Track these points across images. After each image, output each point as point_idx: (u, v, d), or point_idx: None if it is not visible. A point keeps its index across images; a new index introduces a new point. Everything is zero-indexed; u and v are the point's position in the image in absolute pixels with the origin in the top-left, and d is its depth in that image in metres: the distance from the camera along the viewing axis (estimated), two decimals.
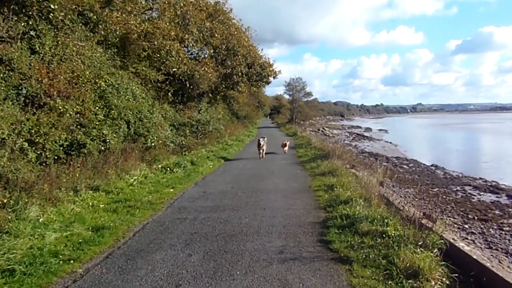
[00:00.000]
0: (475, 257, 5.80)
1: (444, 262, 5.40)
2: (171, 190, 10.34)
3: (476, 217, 11.90)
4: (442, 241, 5.98)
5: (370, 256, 5.60)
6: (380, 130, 67.89)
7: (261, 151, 17.52)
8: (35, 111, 9.48)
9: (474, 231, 10.50)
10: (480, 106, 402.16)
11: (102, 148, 11.13)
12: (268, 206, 8.65)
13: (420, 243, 5.90)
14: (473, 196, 15.02)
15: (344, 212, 7.57)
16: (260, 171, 13.60)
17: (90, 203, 8.51)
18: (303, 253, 5.81)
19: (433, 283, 4.94)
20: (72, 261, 5.56)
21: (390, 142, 42.99)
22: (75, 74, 10.83)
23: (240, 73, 25.24)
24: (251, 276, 5.03)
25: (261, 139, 17.86)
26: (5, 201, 7.18)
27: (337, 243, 6.16)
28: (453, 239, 6.77)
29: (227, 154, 18.61)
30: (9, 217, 6.77)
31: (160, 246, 6.19)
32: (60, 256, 5.68)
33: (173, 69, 17.61)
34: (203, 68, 20.33)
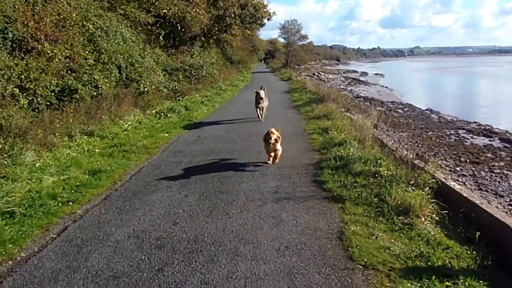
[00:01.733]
0: (465, 195, 5.94)
1: (434, 200, 5.54)
2: (166, 135, 10.35)
3: (468, 160, 12.09)
4: (433, 180, 6.09)
5: (363, 194, 5.74)
6: (376, 74, 67.13)
7: (260, 108, 12.81)
8: (23, 56, 9.23)
9: (465, 173, 10.71)
10: (479, 49, 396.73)
11: (94, 93, 10.98)
12: (263, 149, 8.67)
13: (412, 182, 6.02)
14: (466, 140, 15.18)
15: (338, 154, 7.65)
16: (255, 115, 13.58)
17: (86, 148, 8.52)
18: (297, 193, 5.94)
19: (423, 219, 5.09)
20: (71, 203, 5.66)
21: (386, 87, 42.71)
22: (62, 16, 10.44)
23: (233, 15, 24.45)
24: (246, 215, 5.16)
25: (260, 92, 12.61)
26: (0, 146, 7.18)
27: (330, 183, 6.28)
28: (444, 178, 6.91)
29: (221, 99, 18.45)
30: (5, 162, 6.80)
31: (156, 188, 6.29)
32: (59, 199, 5.77)
33: (163, 11, 17.03)
34: (194, 10, 19.64)
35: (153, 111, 13.01)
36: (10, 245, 4.43)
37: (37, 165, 7.07)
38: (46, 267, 4.00)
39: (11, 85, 8.64)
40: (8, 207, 5.33)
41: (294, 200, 5.65)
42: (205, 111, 14.56)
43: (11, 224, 4.96)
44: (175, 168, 7.36)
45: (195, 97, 17.09)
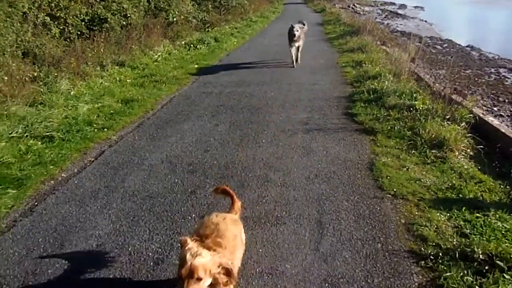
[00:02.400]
0: (503, 130, 5.73)
1: (470, 135, 5.39)
2: (196, 66, 10.26)
3: (507, 100, 11.49)
4: (470, 115, 5.88)
5: (395, 128, 5.63)
6: (415, 7, 62.91)
7: (294, 48, 10.01)
8: None
9: (503, 114, 10.22)
10: None
11: (124, 23, 10.87)
12: (294, 81, 8.55)
13: (447, 117, 5.84)
14: (507, 79, 14.33)
15: (371, 87, 7.44)
16: (287, 47, 13.19)
17: (117, 78, 8.60)
18: (327, 125, 5.88)
19: (457, 153, 4.99)
20: (106, 130, 5.83)
21: (425, 21, 40.12)
22: None
23: None
24: (276, 144, 5.19)
25: (295, 27, 9.84)
26: (35, 74, 7.34)
27: (362, 116, 6.17)
28: (482, 113, 6.65)
29: (252, 31, 17.93)
30: (42, 90, 6.99)
31: (187, 117, 6.35)
32: (94, 125, 5.94)
33: None
34: None
35: (183, 42, 12.82)
36: (51, 166, 4.66)
37: (72, 93, 7.23)
38: (86, 186, 4.21)
39: (42, 13, 8.64)
40: (47, 132, 5.56)
41: (324, 131, 5.61)
42: (235, 43, 14.25)
43: (51, 147, 5.19)
44: (206, 98, 7.37)
45: (224, 28, 16.65)
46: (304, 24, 10.70)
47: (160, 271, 2.90)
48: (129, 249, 3.16)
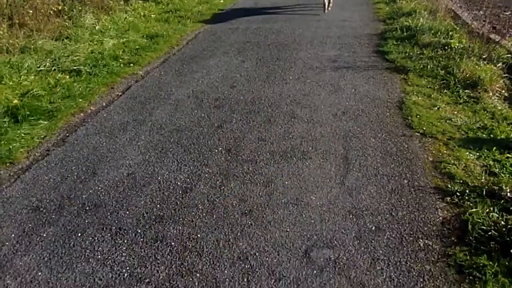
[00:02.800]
0: None
1: (506, 75, 5.15)
2: (221, 1, 9.95)
3: None
4: (509, 55, 5.58)
5: (428, 66, 5.40)
6: None
7: None
8: None
9: None
10: None
11: None
12: (322, 18, 8.22)
13: (484, 56, 5.55)
14: None
15: (405, 24, 7.08)
16: None
17: (142, 13, 8.47)
18: (357, 63, 5.70)
19: (491, 94, 4.79)
20: (131, 65, 5.82)
21: None
22: None
23: None
24: (303, 81, 5.09)
25: None
26: (59, 8, 7.28)
27: (394, 54, 5.93)
28: None
29: None
30: (67, 24, 6.96)
31: (213, 53, 6.26)
32: (120, 60, 5.94)
33: None
34: None
35: None
36: (80, 100, 4.74)
37: (96, 28, 7.18)
38: (115, 119, 4.29)
39: None
40: (75, 66, 5.60)
41: (354, 69, 5.45)
42: None
43: (78, 81, 5.25)
44: (232, 34, 7.21)
45: None
46: None
47: (189, 199, 2.99)
48: (159, 178, 3.26)
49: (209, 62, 5.88)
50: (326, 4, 8.52)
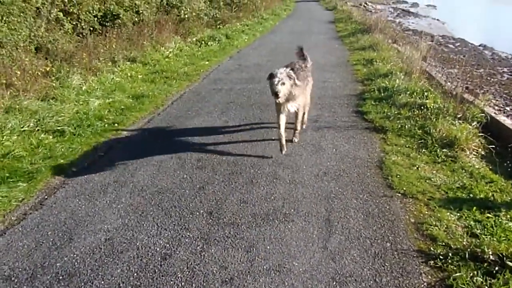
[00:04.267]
0: None
1: (482, 134, 5.32)
2: (206, 62, 10.27)
3: None
4: (482, 114, 5.80)
5: (406, 126, 5.56)
6: (427, 5, 62.10)
7: (283, 115, 4.60)
8: None
9: None
10: None
11: (136, 19, 10.97)
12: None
13: (459, 116, 5.76)
14: None
15: (382, 85, 7.36)
16: (297, 45, 13.14)
17: (129, 74, 8.66)
18: (337, 123, 5.84)
19: (468, 152, 4.92)
20: (116, 125, 5.87)
21: (438, 19, 39.60)
22: None
23: None
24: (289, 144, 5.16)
25: (282, 75, 4.29)
26: (47, 69, 7.42)
27: (372, 114, 6.11)
28: (494, 113, 6.56)
29: (263, 28, 17.89)
30: (54, 85, 7.06)
31: (197, 113, 6.36)
32: (105, 120, 6.00)
33: None
34: None
35: (194, 39, 12.85)
36: (62, 161, 4.72)
37: (83, 88, 7.29)
38: (96, 181, 4.25)
39: (55, 9, 8.73)
40: (59, 126, 5.63)
41: (334, 129, 5.58)
42: (246, 40, 14.23)
43: (61, 141, 5.26)
44: (216, 95, 7.38)
45: (235, 25, 16.63)
46: (305, 59, 5.75)
47: (168, 266, 2.91)
48: (137, 243, 3.18)
49: (193, 122, 5.97)
50: (283, 141, 4.71)
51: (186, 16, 13.49)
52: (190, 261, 2.95)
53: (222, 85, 8.03)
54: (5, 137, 5.14)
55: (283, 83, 4.27)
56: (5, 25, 6.97)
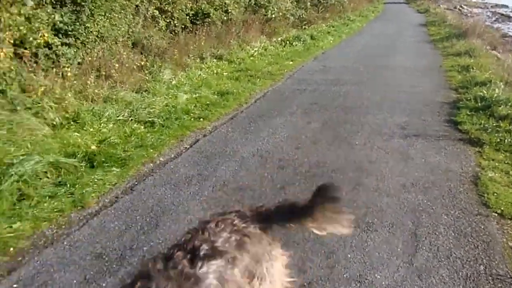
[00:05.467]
0: None
1: None
2: (291, 62, 10.27)
3: None
4: None
5: (506, 140, 5.07)
6: None
7: None
8: None
9: None
10: None
11: (225, 18, 11.28)
12: (392, 82, 8.17)
13: None
14: None
15: (479, 94, 6.80)
16: (385, 48, 12.66)
17: (215, 71, 8.93)
18: (427, 131, 5.50)
19: None
20: (201, 119, 6.07)
21: None
22: None
23: None
24: (370, 147, 4.98)
25: None
26: (142, 63, 7.90)
27: (467, 125, 5.67)
28: None
29: (349, 30, 17.49)
30: (147, 78, 7.50)
31: (280, 112, 6.37)
32: (191, 114, 6.23)
33: None
34: None
35: (279, 39, 12.92)
36: (151, 150, 4.97)
37: (173, 82, 7.65)
38: (181, 172, 4.42)
39: (152, 7, 9.27)
40: (150, 117, 5.94)
41: (424, 138, 5.26)
42: (331, 41, 14.02)
43: (151, 132, 5.55)
44: (299, 95, 7.34)
45: (321, 26, 16.44)
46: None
47: None
48: None
49: (275, 121, 5.99)
50: None
51: (273, 16, 13.61)
52: None
53: (305, 86, 7.97)
54: (102, 124, 5.55)
55: None
56: (108, 20, 7.53)
